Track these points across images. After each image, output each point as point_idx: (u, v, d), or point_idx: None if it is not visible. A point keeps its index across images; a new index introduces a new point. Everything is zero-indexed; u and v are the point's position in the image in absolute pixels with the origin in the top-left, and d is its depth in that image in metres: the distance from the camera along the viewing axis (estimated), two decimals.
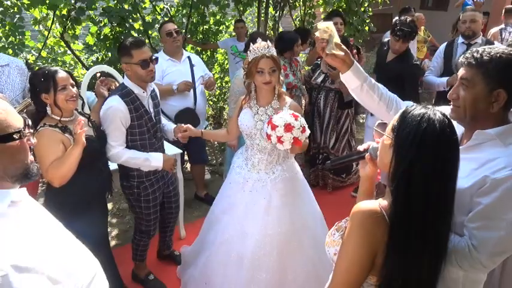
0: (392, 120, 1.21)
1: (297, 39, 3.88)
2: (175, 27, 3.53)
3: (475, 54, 1.43)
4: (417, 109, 1.15)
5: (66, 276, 1.06)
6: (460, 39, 3.76)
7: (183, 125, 2.62)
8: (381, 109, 1.83)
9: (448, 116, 1.24)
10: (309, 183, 2.75)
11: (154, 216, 2.69)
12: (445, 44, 3.86)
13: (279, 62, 2.35)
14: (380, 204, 1.18)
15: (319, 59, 4.17)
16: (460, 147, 1.43)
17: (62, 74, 2.07)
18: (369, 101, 1.84)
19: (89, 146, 2.09)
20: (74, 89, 2.11)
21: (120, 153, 2.40)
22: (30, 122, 1.11)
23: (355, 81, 1.78)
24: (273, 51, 2.30)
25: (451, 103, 1.52)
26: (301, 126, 2.17)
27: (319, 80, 4.06)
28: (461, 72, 1.47)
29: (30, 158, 1.10)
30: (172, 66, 3.50)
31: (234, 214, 2.50)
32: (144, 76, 2.39)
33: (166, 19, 4.81)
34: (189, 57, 3.60)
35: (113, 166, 2.53)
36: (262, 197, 2.43)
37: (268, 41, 2.34)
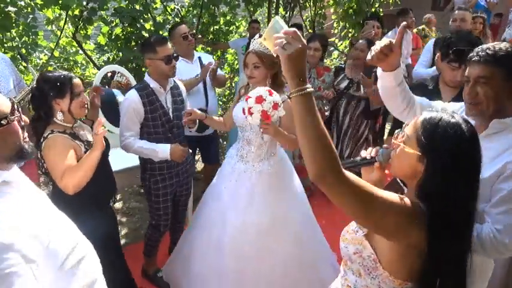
0: (411, 130, 1.18)
1: (309, 40, 3.74)
2: (188, 29, 3.58)
3: (488, 52, 1.46)
4: (444, 119, 1.13)
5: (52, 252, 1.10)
6: None
7: (188, 108, 2.64)
8: (401, 110, 1.82)
9: (465, 115, 1.28)
10: None
11: (164, 211, 2.73)
12: (434, 39, 3.88)
13: (272, 60, 2.35)
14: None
15: (343, 63, 4.01)
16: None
17: (77, 80, 2.06)
18: (394, 103, 1.82)
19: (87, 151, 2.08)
20: (86, 96, 2.12)
21: (131, 143, 2.52)
22: (18, 106, 1.14)
23: (392, 82, 1.76)
24: (263, 49, 2.33)
25: (469, 102, 1.53)
26: (273, 101, 2.18)
27: (343, 85, 3.79)
28: (475, 70, 1.49)
29: (23, 137, 1.14)
30: (186, 66, 3.53)
31: (219, 202, 2.58)
32: (167, 71, 2.52)
33: (177, 19, 4.84)
34: (199, 58, 3.62)
35: (116, 167, 2.58)
36: (245, 187, 2.49)
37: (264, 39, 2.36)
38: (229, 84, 6.10)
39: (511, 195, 1.41)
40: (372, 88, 3.37)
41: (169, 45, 2.54)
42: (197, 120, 2.71)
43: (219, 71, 3.84)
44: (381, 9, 6.30)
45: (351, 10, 5.97)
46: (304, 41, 1.10)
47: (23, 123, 1.14)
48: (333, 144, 1.07)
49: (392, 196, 1.12)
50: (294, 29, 1.10)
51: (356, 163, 1.44)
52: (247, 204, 2.49)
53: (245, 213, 2.48)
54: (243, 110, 2.25)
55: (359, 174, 1.24)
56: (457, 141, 1.10)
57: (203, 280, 2.56)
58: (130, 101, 2.49)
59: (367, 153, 1.38)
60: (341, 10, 6.09)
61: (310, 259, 2.63)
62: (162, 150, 2.53)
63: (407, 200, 1.13)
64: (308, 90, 1.07)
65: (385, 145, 1.30)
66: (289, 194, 2.62)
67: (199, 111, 2.60)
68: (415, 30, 5.36)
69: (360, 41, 3.63)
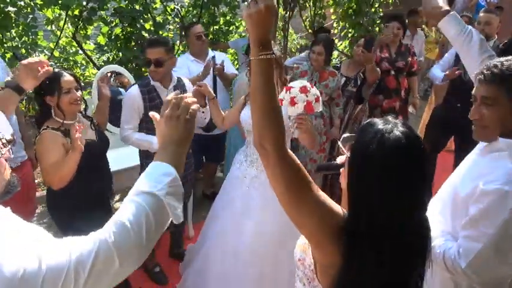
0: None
1: (314, 43, 3.57)
2: (202, 30, 3.64)
3: (494, 70, 1.38)
4: (376, 124, 1.05)
5: None
6: None
7: (199, 82, 2.65)
8: (476, 64, 1.77)
9: (475, 138, 1.33)
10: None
11: None
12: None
13: (279, 61, 2.36)
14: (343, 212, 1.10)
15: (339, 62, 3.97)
16: (482, 149, 1.50)
17: (67, 77, 2.09)
18: (467, 56, 1.84)
19: (90, 150, 2.10)
20: (78, 93, 2.14)
21: (130, 136, 2.58)
22: (6, 137, 1.06)
23: (449, 30, 1.82)
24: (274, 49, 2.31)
25: (475, 124, 1.47)
26: (316, 94, 2.18)
27: (341, 82, 3.73)
28: (480, 89, 1.43)
29: (7, 173, 1.06)
30: (197, 66, 3.55)
31: (232, 209, 2.55)
32: (150, 74, 2.59)
33: (177, 20, 4.84)
34: (213, 57, 3.61)
35: (117, 167, 2.58)
36: (258, 194, 2.47)
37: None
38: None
39: (472, 221, 1.37)
40: (372, 62, 3.40)
41: (157, 49, 2.52)
42: (208, 114, 2.70)
43: (232, 70, 3.83)
44: (381, 9, 6.29)
45: (350, 10, 5.96)
46: (273, 3, 1.05)
47: (9, 156, 1.07)
48: (282, 121, 1.08)
49: (325, 201, 1.07)
50: None
51: (330, 167, 1.40)
52: (261, 211, 2.46)
53: (261, 220, 2.44)
54: (280, 100, 2.13)
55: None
56: (373, 147, 1.00)
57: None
58: (130, 96, 2.58)
59: (341, 158, 1.30)
60: (341, 10, 6.07)
61: None
62: (157, 142, 2.51)
63: (338, 211, 1.08)
64: (269, 56, 1.06)
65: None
66: None
67: (210, 90, 2.56)
68: (419, 30, 5.37)
69: (362, 39, 3.60)
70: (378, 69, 3.55)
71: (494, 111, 1.39)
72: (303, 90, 2.13)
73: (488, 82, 1.39)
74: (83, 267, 0.83)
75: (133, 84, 2.69)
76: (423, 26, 5.92)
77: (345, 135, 1.23)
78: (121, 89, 3.59)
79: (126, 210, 0.94)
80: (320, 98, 2.21)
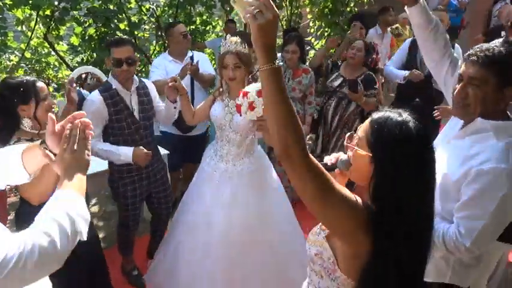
0: (362, 132, 1.18)
1: (286, 42, 3.62)
2: (185, 29, 3.55)
3: (487, 53, 1.42)
4: (391, 117, 1.11)
5: None
6: None
7: (172, 75, 2.57)
8: (436, 58, 1.84)
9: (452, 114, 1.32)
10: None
11: (133, 212, 2.71)
12: (411, 39, 3.89)
13: (249, 58, 2.38)
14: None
15: (339, 60, 3.87)
16: (457, 132, 1.57)
17: (41, 83, 1.98)
18: (429, 48, 1.86)
19: None
20: (52, 99, 2.06)
21: (92, 145, 2.43)
22: None
23: (419, 18, 1.82)
24: (240, 48, 2.34)
25: (457, 102, 1.53)
26: (257, 90, 2.16)
27: (336, 83, 3.60)
28: (468, 70, 1.47)
29: None
30: (175, 67, 3.48)
31: (201, 204, 2.55)
32: (118, 74, 2.47)
33: (152, 19, 4.78)
34: (191, 57, 3.57)
35: (91, 171, 2.53)
36: (228, 188, 2.48)
37: (238, 38, 2.38)
38: None
39: (470, 201, 1.44)
40: (363, 100, 3.40)
41: (125, 48, 2.45)
42: (177, 111, 2.66)
43: (210, 70, 3.75)
44: (356, 9, 6.38)
45: (326, 9, 6.03)
46: (277, 11, 1.02)
47: None
48: (300, 124, 1.06)
49: (349, 196, 1.11)
50: None
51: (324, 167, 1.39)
52: (231, 205, 2.48)
53: (230, 214, 2.46)
54: (238, 106, 2.18)
55: None
56: (402, 139, 1.08)
57: (191, 286, 2.52)
58: (91, 102, 2.44)
59: (328, 159, 1.35)
60: (317, 10, 6.13)
61: (294, 256, 2.64)
62: (125, 154, 2.46)
63: (359, 203, 1.12)
64: (278, 64, 1.03)
65: (349, 152, 1.26)
66: (272, 190, 2.64)
67: (183, 86, 2.52)
68: (389, 29, 5.45)
69: (357, 41, 3.59)
70: (373, 99, 3.51)
71: (479, 92, 1.44)
72: (260, 93, 2.14)
73: (477, 64, 1.43)
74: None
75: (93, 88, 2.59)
76: (397, 25, 6.02)
77: (342, 158, 1.26)
78: (84, 92, 3.45)
79: (48, 228, 1.01)
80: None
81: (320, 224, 1.33)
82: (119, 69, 2.44)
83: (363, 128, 1.18)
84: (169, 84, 2.44)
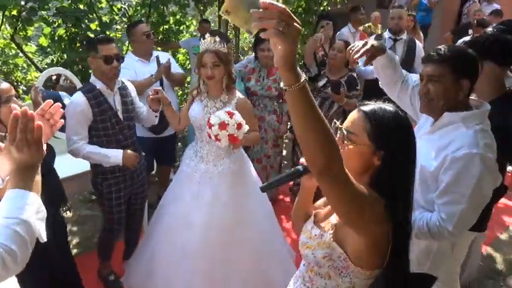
0: (354, 126, 1.20)
1: (260, 41, 3.57)
2: (148, 28, 3.46)
3: (439, 52, 1.61)
4: (385, 109, 1.19)
5: None
6: (388, 34, 4.03)
7: (154, 88, 2.56)
8: (395, 80, 2.03)
9: (420, 111, 1.54)
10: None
11: (117, 215, 2.67)
12: (373, 37, 4.01)
13: (228, 57, 2.39)
14: None
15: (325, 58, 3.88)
16: (428, 129, 1.69)
17: (4, 85, 1.89)
18: (390, 73, 2.02)
19: None
20: (20, 101, 1.99)
21: (80, 148, 2.42)
22: None
23: (384, 60, 1.97)
24: (219, 47, 2.35)
25: (422, 99, 1.69)
26: (235, 123, 2.23)
27: (320, 83, 3.63)
28: (427, 69, 1.64)
29: None
30: (143, 67, 3.42)
31: (181, 205, 2.54)
32: (107, 72, 2.43)
33: (124, 19, 4.70)
34: (157, 57, 3.53)
35: (65, 174, 2.48)
36: (208, 188, 2.47)
37: (217, 37, 2.40)
38: None
39: (448, 187, 1.56)
40: (344, 101, 3.45)
41: (114, 46, 2.47)
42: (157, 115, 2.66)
43: (178, 69, 3.73)
44: (329, 8, 6.45)
45: (300, 9, 6.06)
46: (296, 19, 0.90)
47: None
48: (333, 134, 1.03)
49: (366, 191, 1.14)
50: (280, 5, 0.85)
51: (286, 178, 1.33)
52: (211, 205, 2.47)
53: (210, 214, 2.45)
54: (208, 134, 2.27)
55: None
56: (403, 128, 1.18)
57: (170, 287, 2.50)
58: (76, 104, 2.41)
59: (304, 160, 1.33)
60: (290, 9, 6.16)
61: (270, 254, 2.65)
62: (115, 156, 2.46)
63: (371, 194, 1.15)
64: (305, 80, 0.95)
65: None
66: (252, 189, 2.64)
67: (165, 96, 2.54)
68: (361, 27, 5.54)
69: (338, 42, 3.63)
70: (354, 99, 3.56)
71: (439, 87, 1.61)
72: (222, 126, 2.21)
73: (435, 62, 1.61)
74: None
75: (76, 91, 2.52)
76: (369, 24, 6.13)
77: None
78: (61, 93, 3.38)
79: (5, 240, 0.99)
80: (243, 123, 2.27)
81: (312, 226, 1.34)
82: (109, 66, 2.42)
83: (354, 123, 1.21)
84: (151, 97, 2.47)
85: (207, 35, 2.42)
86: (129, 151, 2.51)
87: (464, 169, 1.52)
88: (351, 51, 1.87)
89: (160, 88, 2.53)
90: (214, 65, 2.35)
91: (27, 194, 1.07)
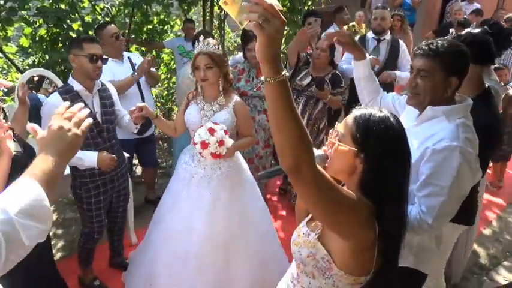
0: (344, 128, 1.22)
1: (248, 41, 3.56)
2: (117, 30, 3.42)
3: (431, 46, 1.59)
4: (374, 114, 1.19)
5: None
6: (371, 35, 4.07)
7: (139, 104, 2.49)
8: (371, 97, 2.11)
9: (406, 103, 1.54)
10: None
11: (97, 219, 2.62)
12: (357, 38, 4.10)
13: (222, 59, 2.39)
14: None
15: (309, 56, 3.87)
16: (413, 121, 1.69)
17: None
18: (368, 91, 2.11)
19: (16, 163, 1.91)
20: (0, 103, 1.96)
21: None
22: None
23: (365, 71, 2.06)
24: (213, 49, 2.34)
25: (409, 92, 1.69)
26: (217, 141, 2.27)
27: (305, 82, 3.62)
28: (418, 63, 1.63)
29: None
30: (117, 67, 3.39)
31: (180, 210, 2.50)
32: (91, 71, 2.38)
33: (107, 19, 4.63)
34: (129, 58, 3.50)
35: None
36: (208, 192, 2.45)
37: (211, 39, 2.40)
38: (166, 85, 5.97)
39: (428, 179, 1.56)
40: (328, 98, 3.48)
41: (99, 46, 2.44)
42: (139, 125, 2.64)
43: (152, 68, 3.70)
44: (314, 8, 6.47)
45: (285, 8, 6.07)
46: (283, 17, 0.93)
47: None
48: (308, 135, 1.02)
49: (350, 195, 1.14)
50: (268, 1, 0.90)
51: (281, 171, 1.42)
52: (212, 210, 2.43)
53: (211, 220, 2.42)
54: (203, 143, 2.31)
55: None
56: (388, 133, 1.17)
57: None
58: (51, 105, 2.32)
59: None
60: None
61: (269, 255, 2.64)
62: (89, 158, 2.38)
63: (359, 198, 1.16)
64: (285, 75, 0.96)
65: (323, 147, 1.31)
66: (251, 191, 2.64)
67: (150, 109, 2.50)
68: (345, 27, 5.58)
69: (320, 41, 3.62)
70: (338, 97, 3.61)
71: (427, 81, 1.60)
72: (203, 145, 2.29)
73: (425, 56, 1.60)
74: None
75: (52, 92, 2.48)
76: (353, 23, 6.17)
77: (318, 153, 1.27)
78: (41, 96, 3.33)
79: None
80: (225, 139, 2.31)
81: (303, 225, 1.35)
82: (93, 65, 2.38)
83: (344, 125, 1.23)
84: (136, 114, 2.42)
85: (201, 38, 2.39)
86: (104, 153, 2.43)
87: (444, 161, 1.53)
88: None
89: (145, 104, 2.46)
90: (207, 67, 2.34)
91: (35, 187, 0.96)
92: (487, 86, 2.08)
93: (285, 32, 6.09)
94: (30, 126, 1.07)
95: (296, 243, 1.31)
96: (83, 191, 2.52)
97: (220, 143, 2.27)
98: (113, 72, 3.27)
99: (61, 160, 1.04)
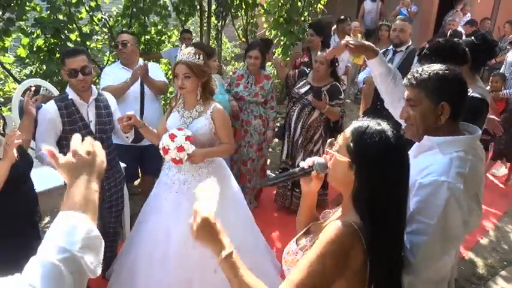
0: (342, 139, 1.23)
1: (250, 48, 3.77)
2: (125, 38, 3.40)
3: (415, 75, 1.52)
4: (371, 127, 1.18)
5: None
6: (391, 46, 4.08)
7: (127, 113, 2.46)
8: (398, 97, 1.99)
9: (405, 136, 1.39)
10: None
11: None
12: (383, 50, 4.09)
13: (201, 69, 2.39)
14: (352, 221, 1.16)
15: (308, 68, 4.00)
16: (411, 152, 1.57)
17: None
18: (393, 88, 2.05)
19: (12, 171, 1.92)
20: None
21: (43, 156, 2.39)
22: None
23: (378, 68, 2.02)
24: (192, 58, 2.36)
25: (405, 122, 1.61)
26: (176, 146, 2.28)
27: (302, 90, 3.70)
28: (406, 92, 1.56)
29: None
30: (125, 74, 3.39)
31: (160, 214, 2.54)
32: (75, 84, 2.44)
33: (105, 30, 4.66)
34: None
35: (44, 187, 2.45)
36: (186, 198, 2.45)
37: (192, 48, 2.40)
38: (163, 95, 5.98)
39: (414, 215, 1.41)
40: (326, 108, 3.52)
41: (80, 58, 2.42)
42: (133, 130, 2.63)
43: (162, 78, 3.66)
44: (310, 19, 6.53)
45: (281, 19, 6.13)
46: (211, 210, 1.22)
47: None
48: None
49: (327, 255, 1.11)
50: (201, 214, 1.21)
51: (285, 177, 1.45)
52: (189, 216, 2.42)
53: (188, 225, 2.42)
54: (164, 149, 2.35)
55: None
56: (382, 147, 1.15)
57: None
58: (46, 112, 2.42)
59: (305, 163, 1.37)
60: (272, 19, 6.23)
61: (256, 268, 2.63)
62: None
63: (340, 234, 1.12)
64: (230, 251, 1.15)
65: (325, 155, 1.32)
66: (232, 199, 2.64)
67: (138, 118, 2.49)
68: (347, 37, 5.64)
69: (319, 53, 3.69)
70: (337, 108, 3.64)
71: (416, 111, 1.51)
72: (164, 151, 2.33)
73: (410, 86, 1.53)
74: None
75: (48, 100, 2.52)
76: (351, 33, 6.23)
77: (319, 161, 1.30)
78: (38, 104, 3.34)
79: (36, 271, 0.80)
80: (185, 145, 2.31)
81: (294, 241, 1.35)
82: (74, 80, 2.42)
83: (343, 136, 1.24)
84: (124, 123, 2.39)
85: (183, 46, 2.44)
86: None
87: (430, 197, 1.39)
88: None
89: (132, 112, 2.43)
90: (185, 76, 2.36)
91: (82, 219, 0.93)
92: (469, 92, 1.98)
93: (282, 43, 6.16)
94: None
95: (286, 261, 1.31)
96: None
97: (180, 148, 2.29)
98: (118, 77, 3.29)
99: (92, 178, 1.01)
